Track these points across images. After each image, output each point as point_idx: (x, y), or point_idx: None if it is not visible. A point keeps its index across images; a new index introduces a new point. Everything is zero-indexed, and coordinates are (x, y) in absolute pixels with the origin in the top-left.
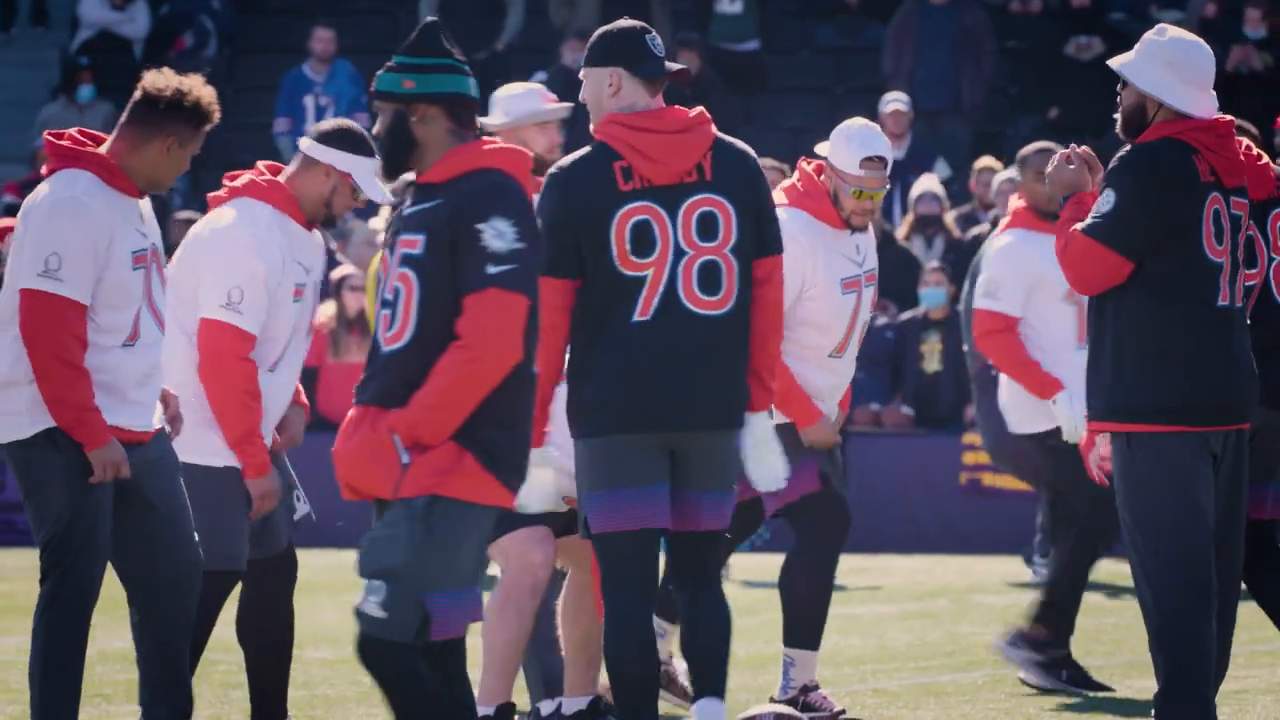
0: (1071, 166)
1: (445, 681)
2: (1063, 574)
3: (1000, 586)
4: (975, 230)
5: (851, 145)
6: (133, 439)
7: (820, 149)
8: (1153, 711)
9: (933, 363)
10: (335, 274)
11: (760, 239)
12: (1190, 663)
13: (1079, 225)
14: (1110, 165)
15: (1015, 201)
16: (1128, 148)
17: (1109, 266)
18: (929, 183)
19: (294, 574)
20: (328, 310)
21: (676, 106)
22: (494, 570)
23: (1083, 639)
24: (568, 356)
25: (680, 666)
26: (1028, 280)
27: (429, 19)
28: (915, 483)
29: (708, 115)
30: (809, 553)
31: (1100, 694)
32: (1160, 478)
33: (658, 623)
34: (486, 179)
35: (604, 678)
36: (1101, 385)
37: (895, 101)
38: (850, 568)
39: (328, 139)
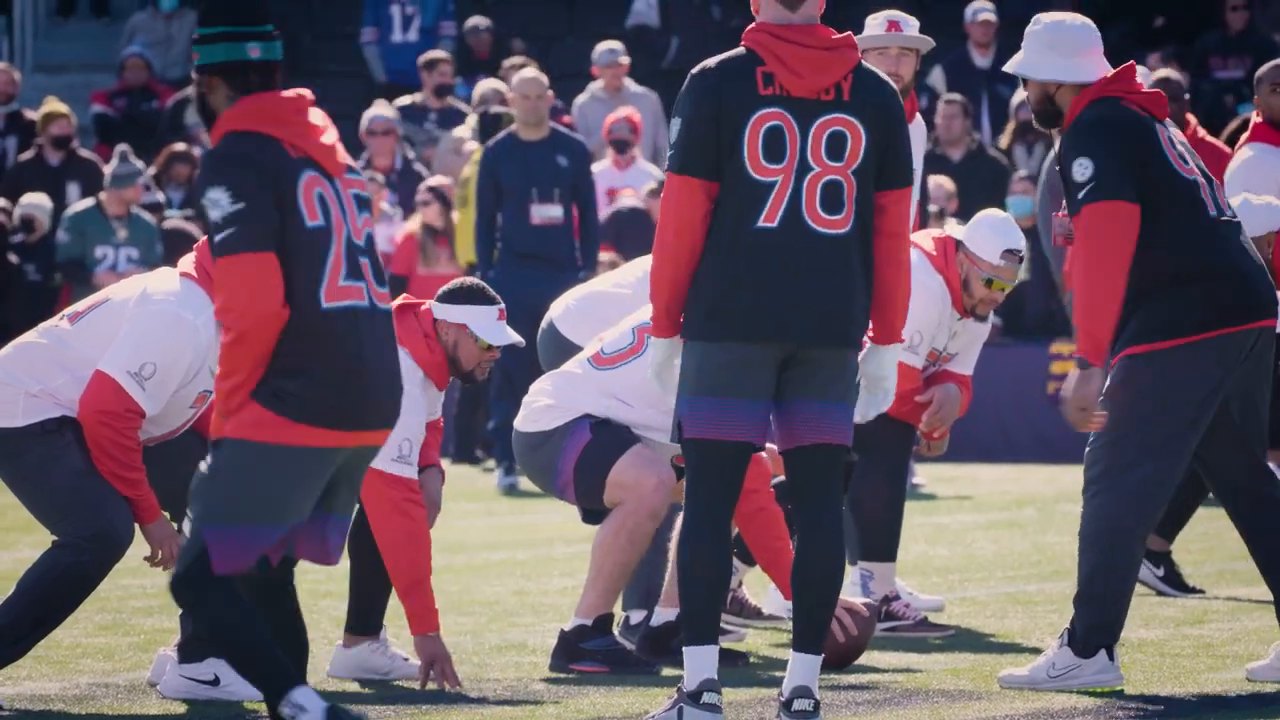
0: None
1: (273, 614)
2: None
3: None
4: None
5: (995, 235)
6: None
7: (954, 232)
8: None
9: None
10: (423, 184)
11: (889, 169)
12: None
13: (1075, 219)
14: (1065, 142)
15: (1254, 117)
16: (1073, 122)
17: (1130, 216)
18: None
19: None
20: (414, 222)
21: (824, 25)
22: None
23: (1175, 545)
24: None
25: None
26: (1268, 193)
27: None
28: (1003, 392)
29: (854, 39)
30: (877, 466)
31: (1192, 596)
32: None
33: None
34: (214, 150)
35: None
36: None
37: (984, 10)
38: (937, 477)
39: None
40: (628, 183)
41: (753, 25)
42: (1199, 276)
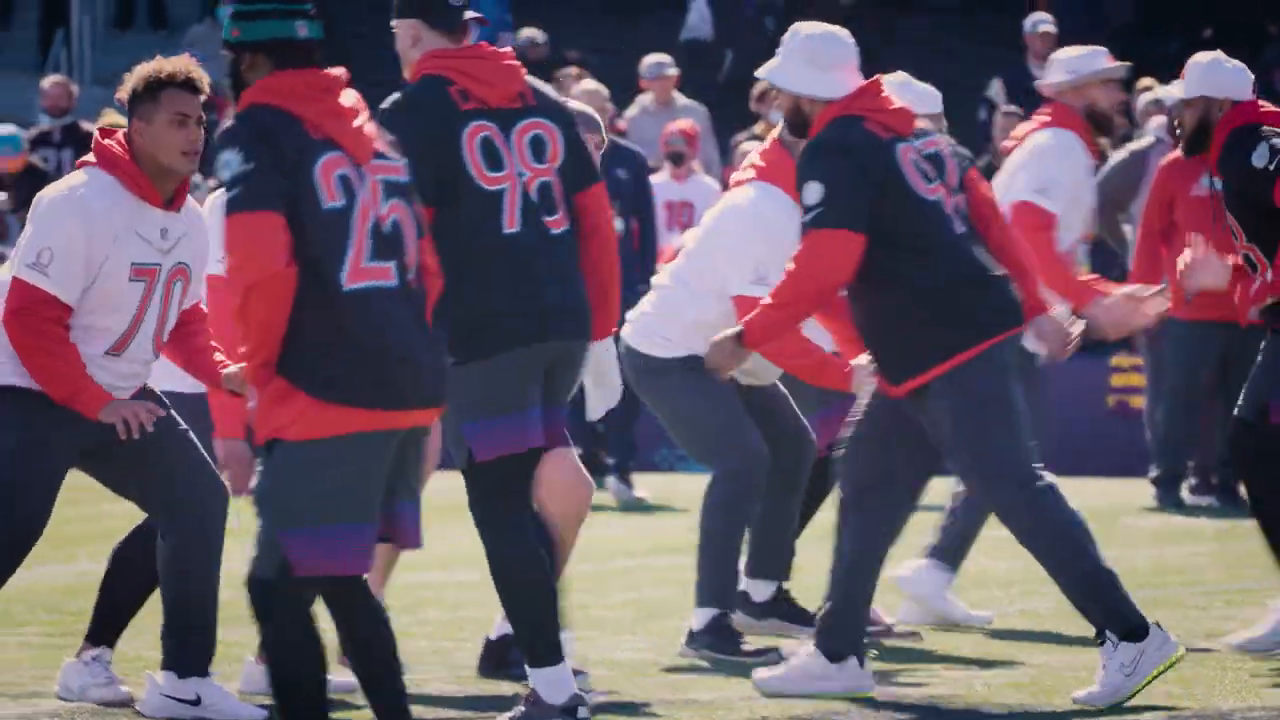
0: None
1: (344, 621)
2: None
3: (1147, 509)
4: (1132, 146)
5: None
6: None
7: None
8: None
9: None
10: None
11: (582, 168)
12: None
13: (801, 239)
14: (801, 160)
15: None
16: (811, 141)
17: (853, 246)
18: None
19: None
20: None
21: (484, 44)
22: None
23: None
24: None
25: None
26: None
27: None
28: (1062, 404)
29: (514, 53)
30: None
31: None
32: None
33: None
34: (235, 117)
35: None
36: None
37: (1043, 23)
38: None
39: None
40: (686, 195)
41: (423, 56)
42: (959, 288)
